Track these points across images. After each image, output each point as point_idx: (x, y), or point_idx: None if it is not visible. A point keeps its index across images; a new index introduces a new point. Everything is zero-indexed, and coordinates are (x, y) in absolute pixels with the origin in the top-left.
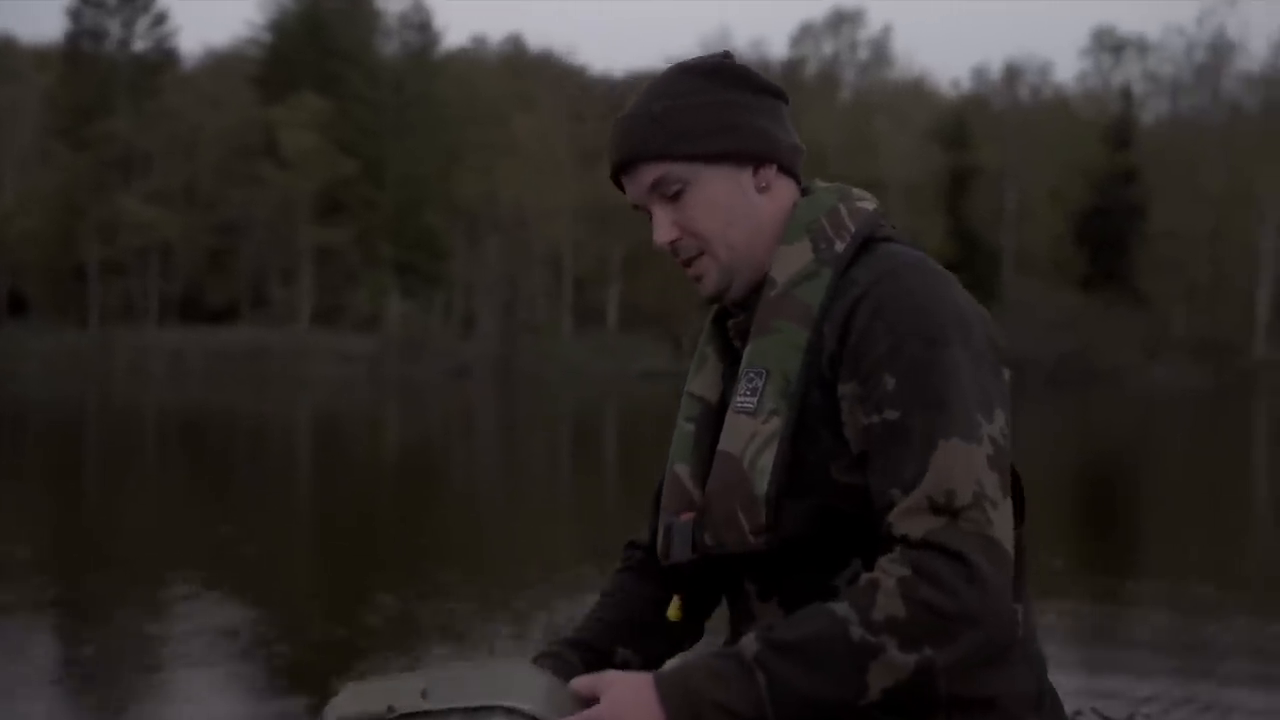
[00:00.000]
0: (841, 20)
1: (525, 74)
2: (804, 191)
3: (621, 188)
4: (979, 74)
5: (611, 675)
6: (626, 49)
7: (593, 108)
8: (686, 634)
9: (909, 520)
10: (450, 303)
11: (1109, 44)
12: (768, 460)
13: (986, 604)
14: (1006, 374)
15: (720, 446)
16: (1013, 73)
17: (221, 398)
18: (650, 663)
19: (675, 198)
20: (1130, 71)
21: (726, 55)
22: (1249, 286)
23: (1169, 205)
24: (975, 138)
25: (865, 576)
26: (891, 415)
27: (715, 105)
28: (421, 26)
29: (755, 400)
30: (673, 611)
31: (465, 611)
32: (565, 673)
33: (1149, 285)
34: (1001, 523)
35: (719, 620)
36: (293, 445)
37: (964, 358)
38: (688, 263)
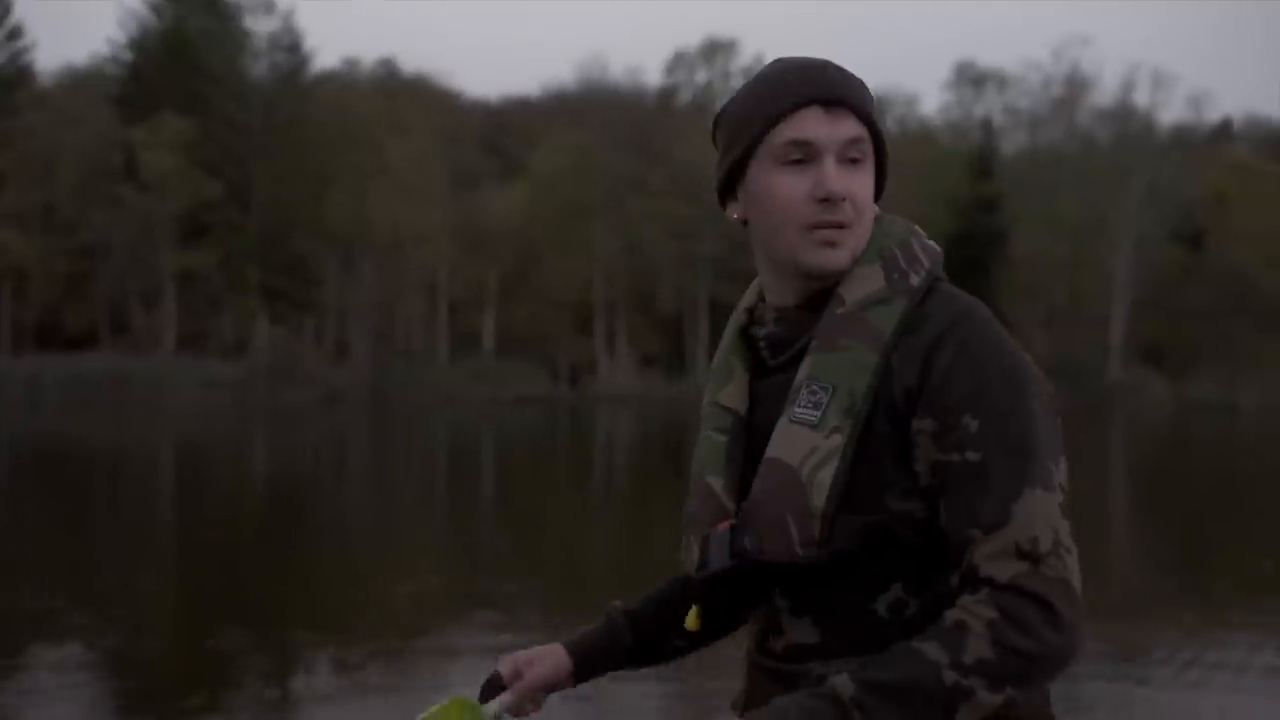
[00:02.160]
0: (715, 49)
1: (399, 97)
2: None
3: (776, 118)
4: None
5: None
6: (502, 74)
7: (468, 131)
8: (702, 643)
9: (995, 564)
10: (321, 328)
11: (970, 77)
12: (827, 475)
13: (1068, 647)
14: (1059, 424)
15: (771, 453)
16: (881, 104)
17: (79, 427)
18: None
19: (853, 164)
20: (991, 104)
21: None
22: (1104, 310)
23: (1029, 233)
24: None
25: (951, 617)
26: (973, 456)
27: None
28: (291, 48)
29: (819, 414)
30: (691, 621)
31: (307, 658)
32: (609, 638)
33: (1011, 309)
34: (1075, 568)
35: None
36: (153, 476)
37: (1038, 407)
38: (837, 225)
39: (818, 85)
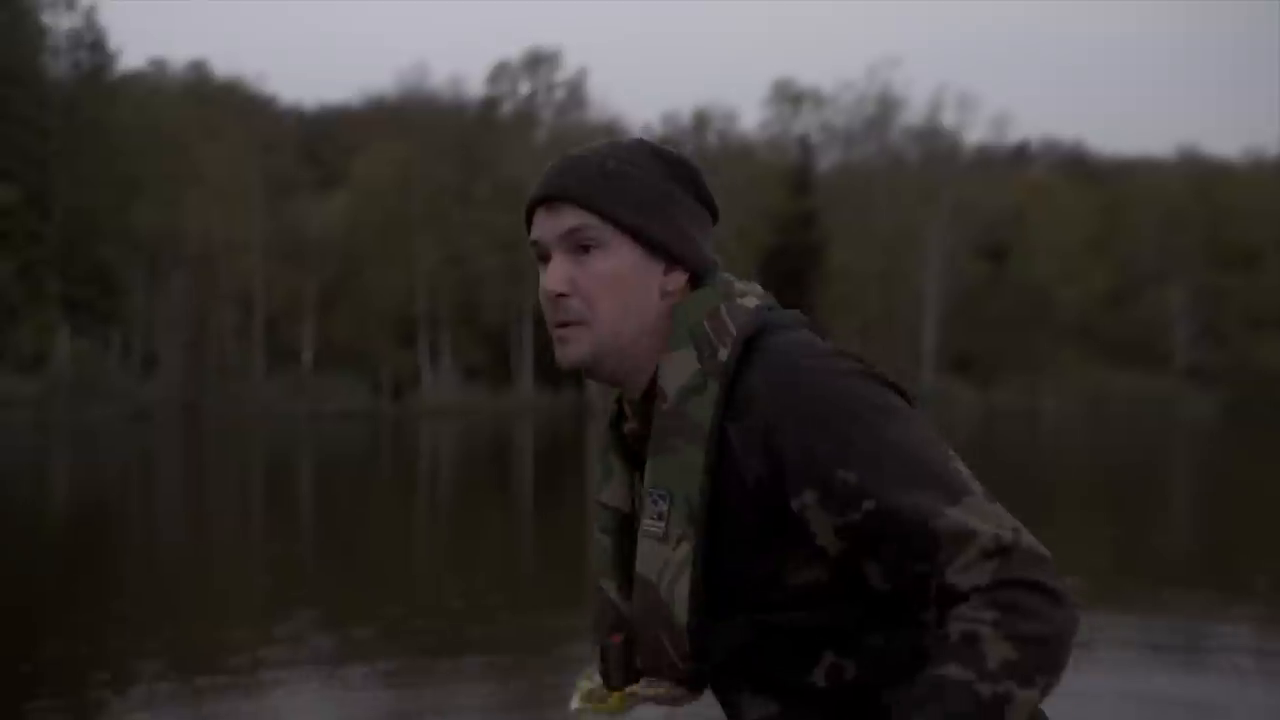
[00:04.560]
0: (538, 61)
1: (210, 101)
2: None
3: (528, 221)
4: (669, 119)
5: None
6: (319, 80)
7: (284, 138)
8: None
9: (970, 573)
10: (128, 341)
11: (788, 95)
12: (683, 589)
13: (1071, 616)
14: (920, 413)
15: (638, 570)
16: (701, 119)
17: None
18: None
19: (583, 252)
20: (808, 121)
21: (688, 157)
22: (916, 322)
23: (844, 247)
24: None
25: (956, 631)
26: (870, 505)
27: (662, 192)
28: (94, 46)
29: (663, 526)
30: (579, 702)
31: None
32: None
33: (829, 321)
34: (1034, 537)
35: None
36: None
37: (899, 425)
38: (563, 324)
39: (540, 186)
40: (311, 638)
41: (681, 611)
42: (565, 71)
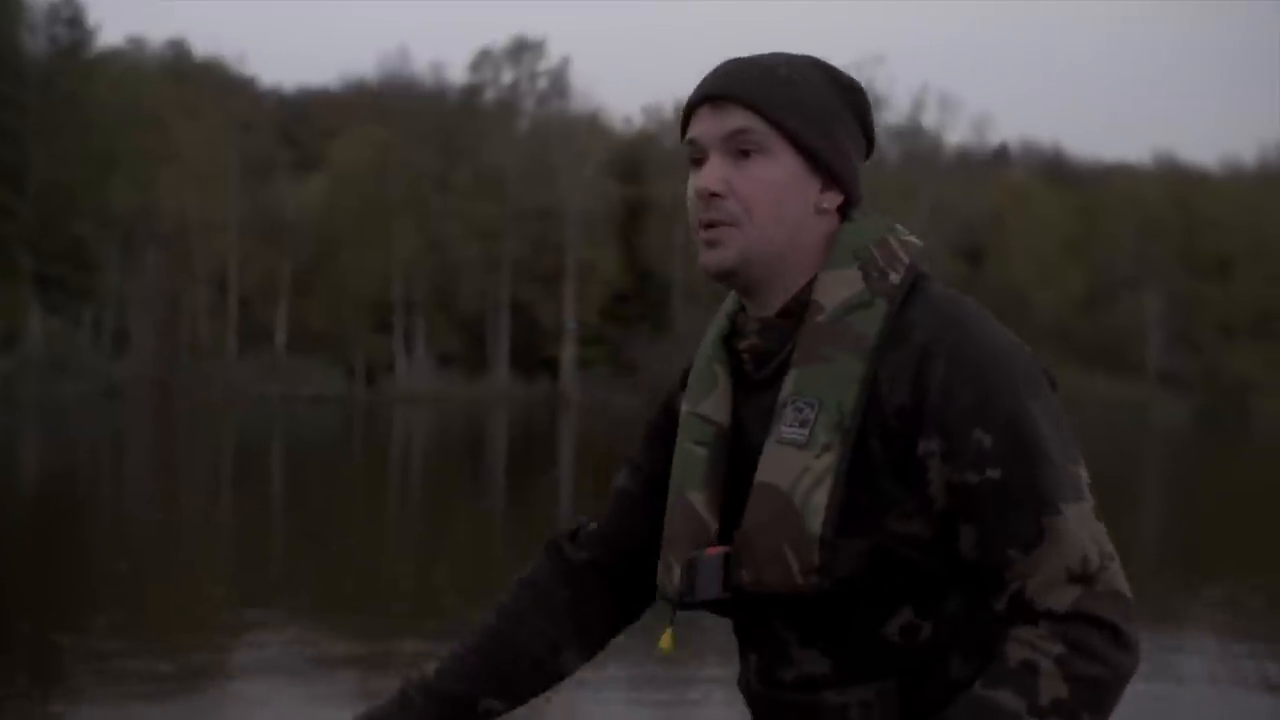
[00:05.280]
0: (522, 49)
1: (188, 79)
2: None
3: (685, 122)
4: (650, 112)
5: None
6: (299, 63)
7: (262, 119)
8: (587, 649)
9: (1050, 593)
10: (100, 319)
11: None
12: (821, 497)
13: (1133, 660)
14: (1065, 418)
15: (761, 478)
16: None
17: None
18: (518, 703)
19: (743, 156)
20: None
21: (860, 84)
22: None
23: None
24: (648, 173)
25: (1016, 657)
26: (994, 474)
27: (830, 107)
28: (72, 21)
29: (806, 432)
30: (665, 643)
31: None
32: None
33: None
34: (1122, 574)
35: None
36: None
37: (1044, 407)
38: (712, 224)
39: (703, 84)
40: (275, 624)
41: (815, 520)
42: (549, 61)
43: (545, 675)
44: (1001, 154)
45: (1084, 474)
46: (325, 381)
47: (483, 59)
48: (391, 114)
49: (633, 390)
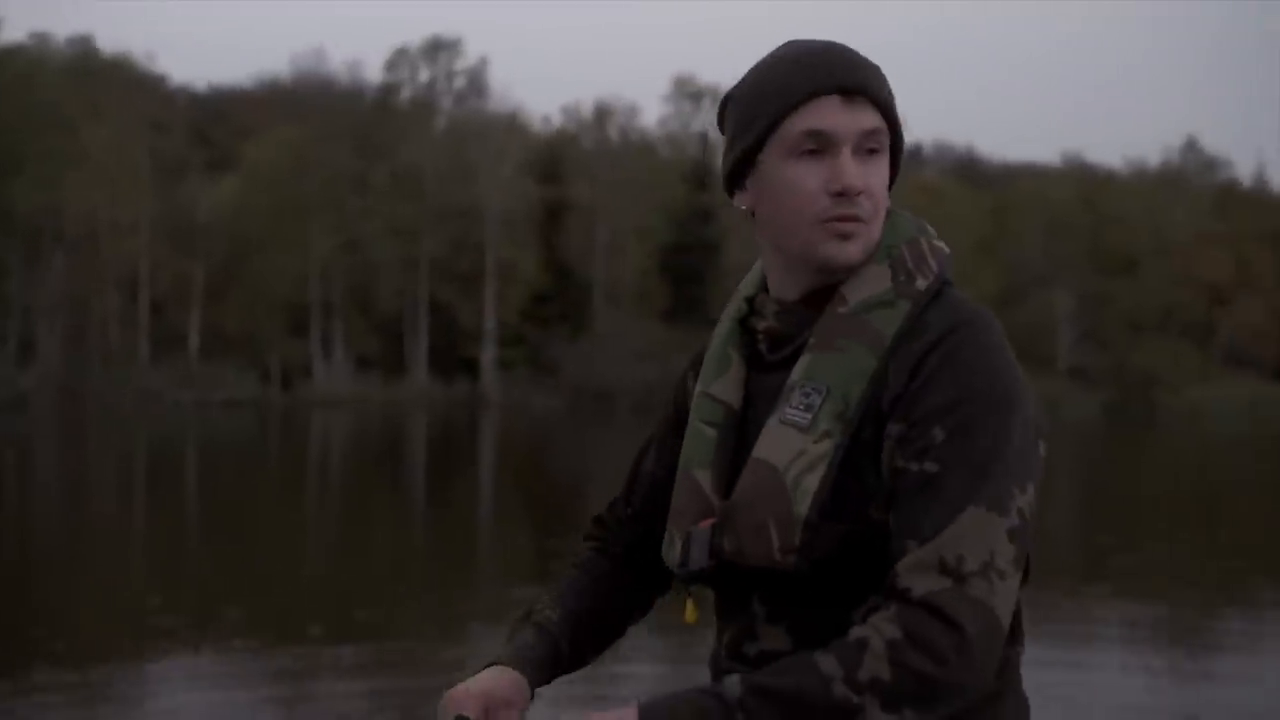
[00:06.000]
0: (439, 48)
1: (95, 77)
2: None
3: (792, 106)
4: (569, 112)
5: (595, 717)
6: (211, 61)
7: (173, 119)
8: (631, 620)
9: (914, 576)
10: (4, 327)
11: (688, 91)
12: (813, 481)
13: (972, 674)
14: (1043, 449)
15: (757, 454)
16: (602, 113)
17: None
18: (595, 658)
19: (871, 155)
20: (708, 118)
21: None
22: None
23: (741, 243)
24: (568, 173)
25: (855, 632)
26: (931, 468)
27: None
28: None
29: (810, 416)
30: (690, 614)
31: None
32: (553, 656)
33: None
34: (1004, 596)
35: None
36: None
37: (1017, 427)
38: (854, 219)
39: (837, 73)
40: (182, 629)
41: (803, 503)
42: (466, 60)
43: (616, 634)
44: (916, 154)
45: (1024, 500)
46: (240, 386)
47: (399, 58)
48: (307, 113)
49: (554, 391)
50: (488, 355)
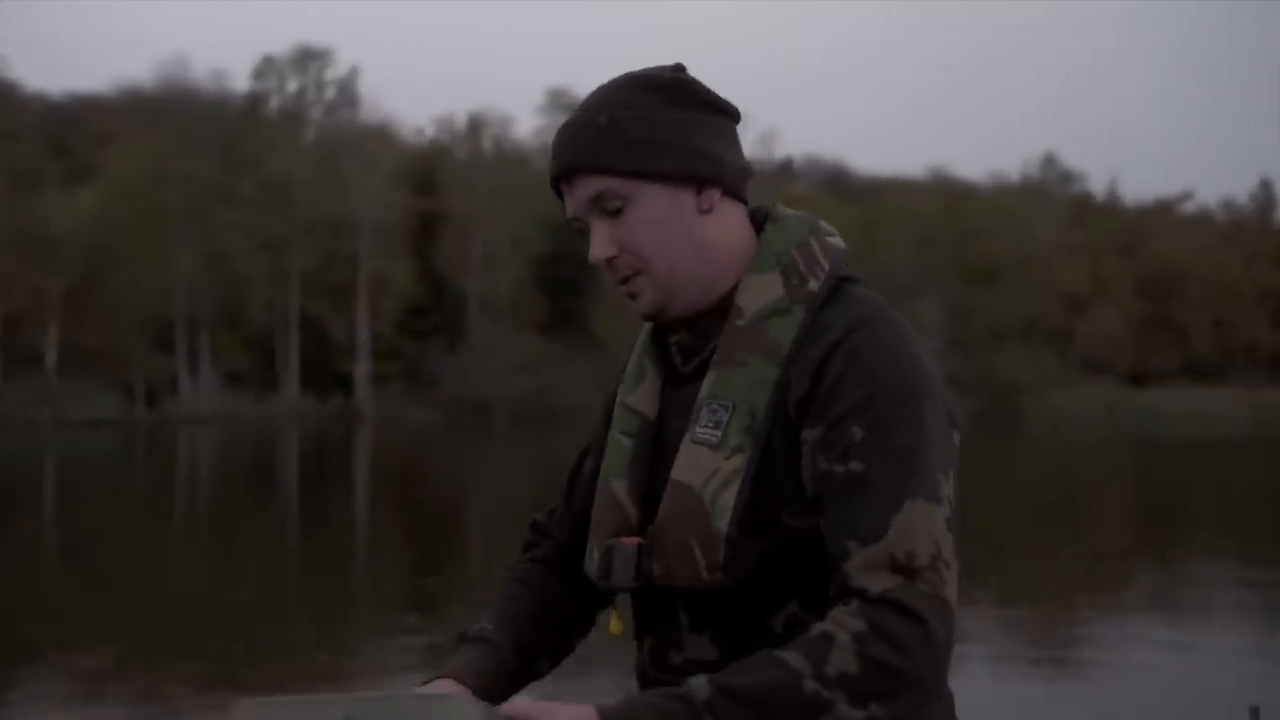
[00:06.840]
0: (308, 58)
1: None
2: (757, 215)
3: (560, 196)
4: (443, 123)
5: (554, 707)
6: (71, 69)
7: (27, 128)
8: (580, 632)
9: (867, 575)
10: None
11: (563, 103)
12: (729, 498)
13: (936, 665)
14: (956, 437)
15: (675, 476)
16: (476, 124)
17: None
18: (553, 666)
19: (615, 214)
20: None
21: (679, 69)
22: None
23: None
24: (442, 185)
25: (818, 628)
26: (857, 467)
27: (663, 122)
28: None
29: (719, 434)
30: (615, 626)
31: None
32: (496, 664)
33: (603, 328)
34: (953, 585)
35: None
36: None
37: (930, 418)
38: (624, 280)
39: (551, 166)
40: (35, 665)
41: (722, 520)
42: (336, 69)
43: (568, 645)
44: (787, 168)
45: (948, 487)
46: (102, 404)
47: (267, 66)
48: (169, 122)
49: (430, 404)
50: (362, 369)
